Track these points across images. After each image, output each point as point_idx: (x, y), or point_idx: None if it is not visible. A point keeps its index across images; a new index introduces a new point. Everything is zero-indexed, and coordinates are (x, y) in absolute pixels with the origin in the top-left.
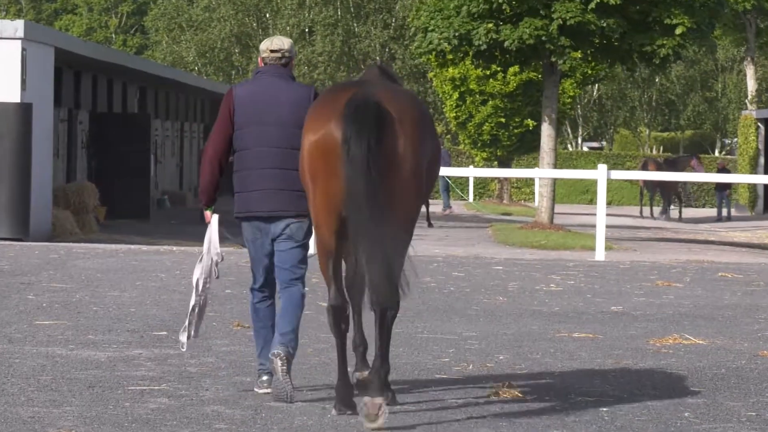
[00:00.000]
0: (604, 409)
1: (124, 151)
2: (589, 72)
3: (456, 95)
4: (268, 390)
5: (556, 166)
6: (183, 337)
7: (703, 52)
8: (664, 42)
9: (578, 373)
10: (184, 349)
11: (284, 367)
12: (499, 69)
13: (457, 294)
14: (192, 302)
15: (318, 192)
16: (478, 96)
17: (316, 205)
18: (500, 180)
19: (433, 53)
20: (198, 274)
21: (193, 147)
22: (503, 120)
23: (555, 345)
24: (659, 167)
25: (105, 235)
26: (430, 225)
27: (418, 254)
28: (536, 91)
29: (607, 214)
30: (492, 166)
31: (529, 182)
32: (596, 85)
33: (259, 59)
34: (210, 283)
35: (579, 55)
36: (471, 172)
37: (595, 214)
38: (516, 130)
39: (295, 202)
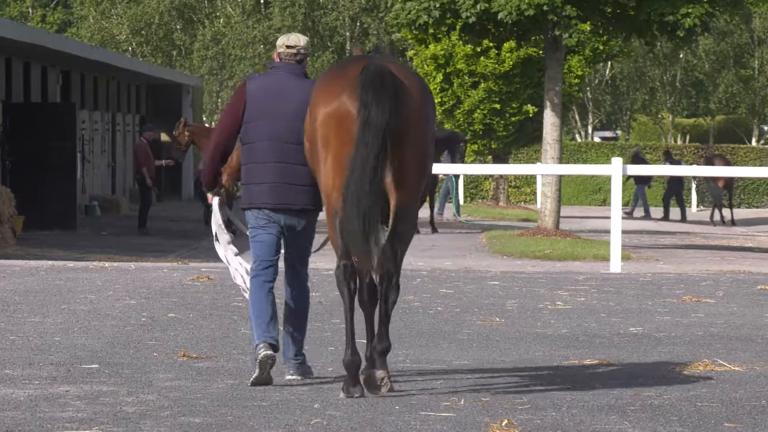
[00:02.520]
0: None
1: (45, 149)
2: (601, 47)
3: (440, 77)
4: (269, 351)
5: (562, 160)
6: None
7: (736, 22)
8: (690, 10)
9: (591, 408)
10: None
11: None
12: (491, 45)
13: (445, 315)
14: (233, 273)
15: (330, 158)
16: (467, 77)
17: (327, 170)
18: (495, 178)
19: (413, 27)
20: (222, 251)
21: (127, 143)
22: (498, 106)
23: (563, 374)
24: (728, 164)
25: (23, 250)
26: (434, 230)
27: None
28: (537, 71)
29: (624, 217)
30: (485, 162)
31: (529, 180)
32: (609, 62)
33: (275, 54)
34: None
35: (588, 28)
36: (460, 169)
37: (609, 218)
38: (513, 118)
39: (301, 196)
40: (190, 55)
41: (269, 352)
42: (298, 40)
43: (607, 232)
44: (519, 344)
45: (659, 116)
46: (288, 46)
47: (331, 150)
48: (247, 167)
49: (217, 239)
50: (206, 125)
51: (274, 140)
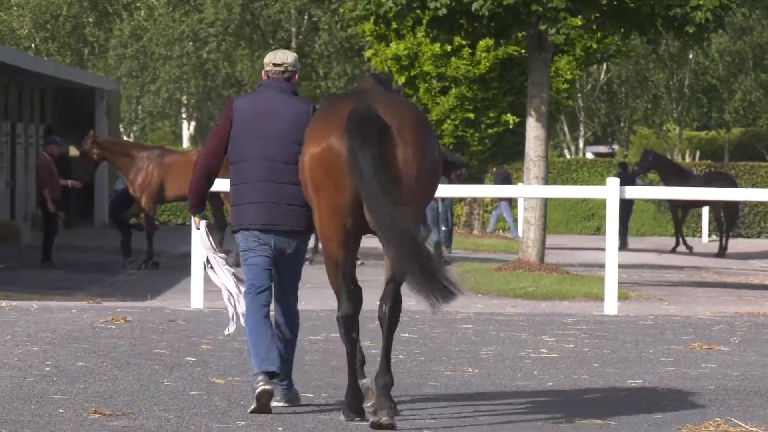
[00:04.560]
0: None
1: None
2: (594, 46)
3: (403, 80)
4: (267, 386)
5: (548, 181)
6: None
7: (756, 17)
8: (701, 2)
9: None
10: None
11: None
12: (464, 43)
13: (408, 364)
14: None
15: (323, 205)
16: (435, 82)
17: (322, 218)
18: (468, 202)
19: (372, 19)
20: (216, 277)
21: (30, 158)
22: (472, 116)
23: None
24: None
25: None
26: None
27: None
28: (519, 75)
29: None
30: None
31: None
32: (604, 64)
33: (263, 72)
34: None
35: (579, 22)
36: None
37: (603, 249)
38: (490, 130)
39: (290, 216)
40: (104, 54)
41: (267, 387)
42: (286, 57)
43: (602, 266)
44: (495, 399)
45: (664, 128)
46: (275, 64)
47: (323, 195)
48: (236, 188)
49: (210, 266)
50: (124, 139)
51: (264, 159)
